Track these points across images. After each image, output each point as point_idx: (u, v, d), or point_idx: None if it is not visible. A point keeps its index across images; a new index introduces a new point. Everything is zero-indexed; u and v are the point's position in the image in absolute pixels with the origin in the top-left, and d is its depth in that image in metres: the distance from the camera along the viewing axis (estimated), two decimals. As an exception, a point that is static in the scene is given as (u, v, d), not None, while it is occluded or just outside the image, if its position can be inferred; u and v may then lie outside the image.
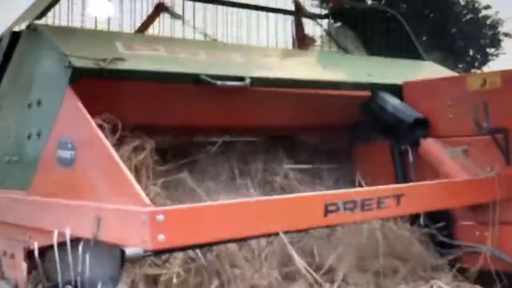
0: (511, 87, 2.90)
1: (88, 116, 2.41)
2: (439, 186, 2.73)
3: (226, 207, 2.15)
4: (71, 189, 2.49)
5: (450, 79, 3.17)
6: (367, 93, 3.34)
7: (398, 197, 2.53)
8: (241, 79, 2.90)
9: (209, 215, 2.09)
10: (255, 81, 2.93)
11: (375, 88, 3.35)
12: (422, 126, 3.18)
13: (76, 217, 2.38)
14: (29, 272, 2.84)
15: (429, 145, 3.13)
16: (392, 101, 3.26)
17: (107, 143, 2.29)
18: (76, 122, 2.48)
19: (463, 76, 3.08)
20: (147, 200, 2.03)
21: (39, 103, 2.79)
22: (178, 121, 2.94)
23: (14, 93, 3.05)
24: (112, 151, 2.25)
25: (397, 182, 3.29)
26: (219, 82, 2.82)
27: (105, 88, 2.60)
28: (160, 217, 1.96)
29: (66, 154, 2.54)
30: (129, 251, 2.18)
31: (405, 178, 3.29)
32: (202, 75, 2.81)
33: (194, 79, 2.81)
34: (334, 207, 2.34)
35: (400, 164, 3.30)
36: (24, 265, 2.86)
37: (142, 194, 2.06)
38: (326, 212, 2.33)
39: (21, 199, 2.79)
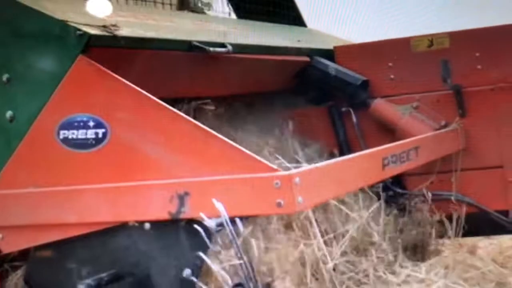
0: (460, 47, 3.16)
1: (132, 85, 2.14)
2: (437, 138, 2.92)
3: (347, 162, 2.20)
4: (103, 171, 2.20)
5: (390, 42, 3.33)
6: (304, 58, 3.36)
7: (416, 149, 2.66)
8: (222, 45, 2.76)
9: (335, 172, 2.10)
10: (234, 47, 2.81)
11: (312, 53, 3.38)
12: (366, 88, 3.30)
13: (128, 199, 2.13)
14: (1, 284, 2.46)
15: (380, 105, 3.27)
16: (332, 65, 3.34)
17: (179, 112, 2.07)
18: (109, 94, 2.20)
19: (406, 38, 3.26)
20: (273, 165, 1.92)
21: (8, 80, 2.39)
22: (172, 91, 2.72)
23: None
24: (192, 119, 2.05)
25: (339, 144, 3.39)
26: (211, 49, 2.67)
27: (112, 59, 2.32)
28: (297, 180, 1.89)
29: (87, 133, 2.23)
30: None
31: (346, 140, 3.39)
32: (194, 41, 2.64)
33: (188, 46, 2.62)
34: (387, 160, 2.44)
35: (342, 127, 3.39)
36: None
37: (262, 159, 1.94)
38: (383, 166, 2.40)
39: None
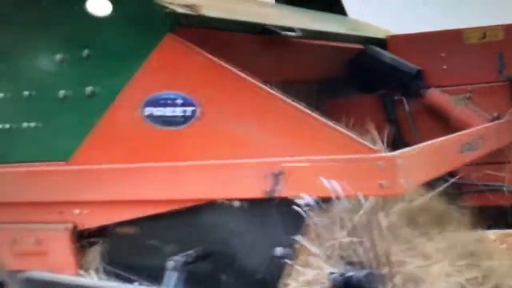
0: None
1: (222, 62, 2.16)
2: (496, 128, 2.97)
3: (437, 146, 2.28)
4: (191, 149, 2.22)
5: (443, 33, 3.39)
6: (359, 46, 3.39)
7: (482, 138, 2.71)
8: (292, 29, 2.78)
9: (430, 155, 2.19)
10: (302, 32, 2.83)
11: (366, 41, 3.41)
12: (420, 77, 3.34)
13: (221, 177, 2.14)
14: (77, 258, 2.46)
15: (435, 94, 3.32)
16: (386, 54, 3.37)
17: (274, 91, 2.09)
18: (199, 71, 2.21)
19: (459, 30, 3.31)
20: (374, 146, 1.95)
21: (88, 56, 2.39)
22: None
23: (27, 43, 2.55)
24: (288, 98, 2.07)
25: (391, 132, 3.42)
26: (283, 32, 2.68)
27: (194, 38, 2.33)
28: (400, 162, 1.92)
29: (175, 111, 2.24)
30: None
31: (399, 128, 3.42)
32: (268, 25, 2.66)
33: (261, 29, 2.64)
34: (464, 147, 2.51)
35: (394, 115, 3.43)
36: (70, 250, 2.47)
37: (362, 140, 1.97)
38: (462, 151, 2.48)
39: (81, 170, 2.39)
